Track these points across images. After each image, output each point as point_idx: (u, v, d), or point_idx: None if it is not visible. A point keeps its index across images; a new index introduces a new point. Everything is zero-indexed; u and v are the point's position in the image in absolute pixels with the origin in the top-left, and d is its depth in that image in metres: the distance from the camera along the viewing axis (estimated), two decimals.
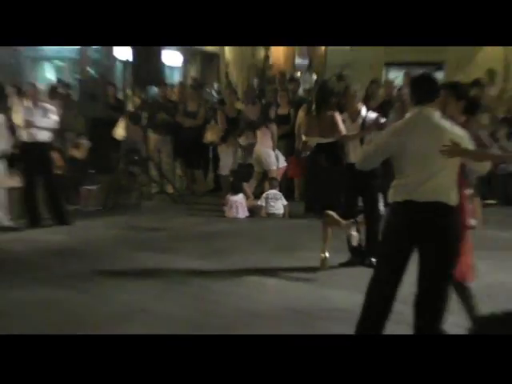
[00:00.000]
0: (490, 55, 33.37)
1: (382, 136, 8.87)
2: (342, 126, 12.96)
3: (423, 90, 8.61)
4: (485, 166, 8.83)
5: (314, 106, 14.41)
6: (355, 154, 12.47)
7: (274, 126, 19.70)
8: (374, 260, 12.90)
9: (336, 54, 37.01)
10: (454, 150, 7.93)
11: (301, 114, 17.31)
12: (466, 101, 9.38)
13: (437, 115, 8.30)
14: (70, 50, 38.95)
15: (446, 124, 8.25)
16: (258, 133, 19.51)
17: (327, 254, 12.91)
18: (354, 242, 12.95)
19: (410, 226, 8.11)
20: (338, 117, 13.09)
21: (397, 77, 27.54)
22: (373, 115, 13.27)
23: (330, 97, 13.67)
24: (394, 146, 8.26)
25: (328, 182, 13.14)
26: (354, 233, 12.91)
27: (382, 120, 12.91)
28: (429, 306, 8.14)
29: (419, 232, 8.09)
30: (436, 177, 8.07)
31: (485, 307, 9.26)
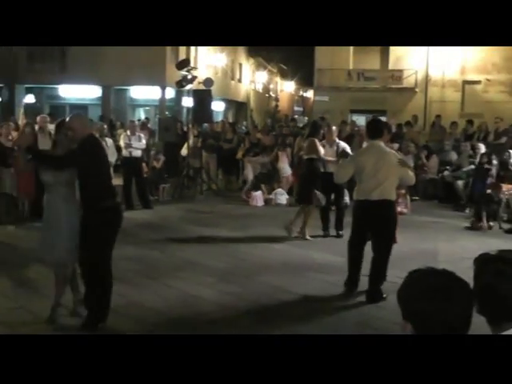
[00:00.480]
0: (415, 106, 33.48)
1: (350, 159, 9.57)
2: (319, 148, 13.08)
3: (374, 129, 9.23)
4: (412, 180, 9.35)
5: (305, 135, 14.60)
6: (332, 167, 12.71)
7: (288, 149, 19.79)
8: (340, 233, 13.09)
9: (319, 104, 37.11)
10: (402, 161, 9.04)
11: (298, 141, 17.34)
12: (391, 135, 9.94)
13: (382, 144, 9.06)
14: (154, 100, 38.85)
15: (388, 150, 9.18)
16: (279, 153, 19.64)
17: (294, 228, 13.23)
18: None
19: (367, 215, 8.91)
20: (317, 142, 13.19)
21: (357, 119, 27.69)
22: (343, 144, 13.44)
23: (318, 130, 13.74)
24: (358, 164, 8.92)
25: (309, 184, 13.25)
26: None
27: (347, 149, 13.11)
28: (376, 266, 8.98)
29: (372, 219, 8.88)
30: (383, 184, 8.73)
31: (410, 265, 9.75)
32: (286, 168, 19.56)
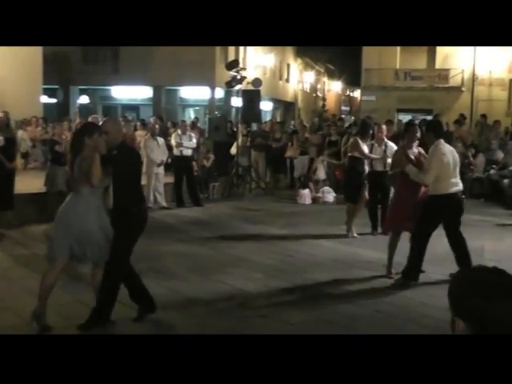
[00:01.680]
0: (461, 105, 33.00)
1: (436, 159, 9.22)
2: (361, 147, 13.03)
3: (439, 129, 9.75)
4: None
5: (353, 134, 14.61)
6: (380, 165, 12.81)
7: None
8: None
9: (366, 103, 36.94)
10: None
11: (345, 140, 17.33)
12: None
13: None
14: (203, 100, 39.07)
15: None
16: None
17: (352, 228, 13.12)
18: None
19: (451, 208, 9.43)
20: (359, 141, 13.15)
21: (403, 118, 27.46)
22: (391, 144, 13.32)
23: (367, 129, 13.67)
24: (444, 162, 9.13)
25: (350, 182, 13.28)
26: None
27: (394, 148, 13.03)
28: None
29: (451, 210, 9.46)
30: (457, 178, 9.43)
31: None
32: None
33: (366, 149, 13.04)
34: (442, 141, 9.34)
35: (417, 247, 9.32)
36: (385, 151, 12.89)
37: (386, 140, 13.47)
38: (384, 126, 14.02)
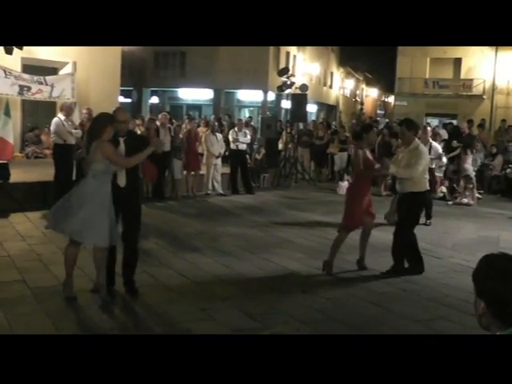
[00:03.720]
0: (483, 111, 32.79)
1: (423, 157, 8.61)
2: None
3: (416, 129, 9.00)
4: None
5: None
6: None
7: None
8: (429, 222, 12.62)
9: (399, 108, 36.96)
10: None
11: (379, 140, 17.15)
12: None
13: None
14: (257, 102, 39.14)
15: None
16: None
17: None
18: None
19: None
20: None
21: (431, 121, 27.16)
22: (435, 144, 12.93)
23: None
24: (427, 160, 8.86)
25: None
26: None
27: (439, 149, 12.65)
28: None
29: None
30: None
31: (475, 250, 9.31)
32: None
33: None
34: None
35: (410, 244, 8.80)
36: (429, 151, 12.44)
37: (430, 140, 13.16)
38: (429, 128, 13.58)
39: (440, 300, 7.62)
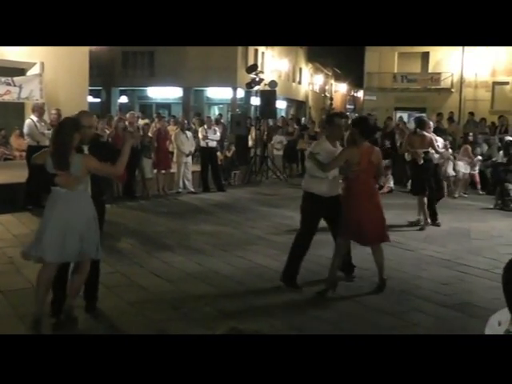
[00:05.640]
0: (451, 104, 33.16)
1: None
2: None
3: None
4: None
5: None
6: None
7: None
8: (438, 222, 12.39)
9: (368, 102, 37.31)
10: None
11: (348, 134, 17.16)
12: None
13: None
14: (226, 99, 39.14)
15: None
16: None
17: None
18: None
19: None
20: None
21: (400, 116, 27.36)
22: (437, 138, 12.95)
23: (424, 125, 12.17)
24: None
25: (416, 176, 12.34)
26: None
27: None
28: None
29: None
30: None
31: (446, 241, 9.38)
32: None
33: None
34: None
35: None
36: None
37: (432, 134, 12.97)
38: (431, 123, 13.26)
39: (413, 292, 7.67)
